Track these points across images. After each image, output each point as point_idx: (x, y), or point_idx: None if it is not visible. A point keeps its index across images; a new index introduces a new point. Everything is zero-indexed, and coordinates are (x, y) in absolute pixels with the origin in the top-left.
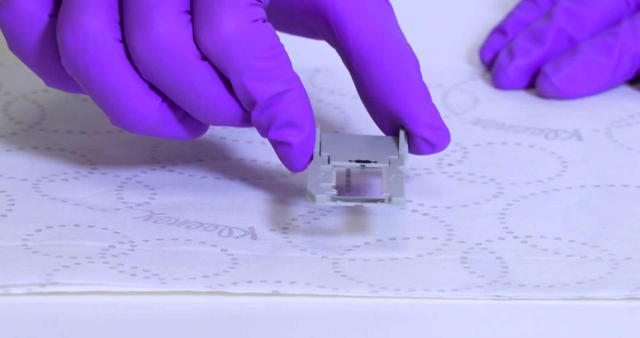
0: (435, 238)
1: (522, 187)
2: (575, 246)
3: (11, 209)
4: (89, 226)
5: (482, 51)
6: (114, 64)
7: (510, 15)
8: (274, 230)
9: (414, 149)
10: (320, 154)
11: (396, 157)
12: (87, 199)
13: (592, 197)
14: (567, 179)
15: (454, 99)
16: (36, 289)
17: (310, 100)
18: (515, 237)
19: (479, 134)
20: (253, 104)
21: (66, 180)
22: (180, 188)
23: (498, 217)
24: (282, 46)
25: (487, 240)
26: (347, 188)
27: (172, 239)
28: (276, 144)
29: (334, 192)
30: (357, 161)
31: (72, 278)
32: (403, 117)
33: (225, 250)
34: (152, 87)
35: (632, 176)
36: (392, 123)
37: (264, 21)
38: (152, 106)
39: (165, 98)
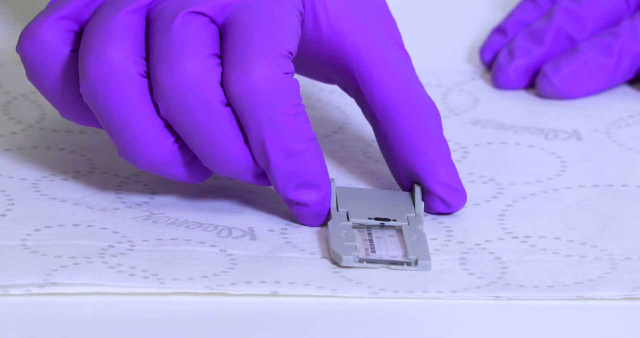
0: (435, 239)
1: (521, 187)
2: (575, 246)
3: (10, 209)
4: (88, 226)
5: (482, 50)
6: (133, 98)
7: (511, 15)
8: (273, 231)
9: (428, 206)
10: (337, 209)
11: (414, 215)
12: (86, 199)
13: (592, 197)
14: (566, 179)
15: (454, 99)
16: (35, 290)
17: (310, 100)
18: (514, 237)
19: (478, 134)
20: (268, 161)
21: (65, 180)
22: (179, 187)
23: (497, 217)
24: (303, 105)
25: (486, 241)
26: (372, 248)
27: (171, 239)
28: (292, 204)
29: (360, 253)
30: (377, 219)
31: (71, 278)
32: (422, 174)
33: (225, 250)
34: (167, 125)
35: (631, 176)
36: (409, 178)
37: (292, 75)
38: (163, 145)
39: (177, 139)
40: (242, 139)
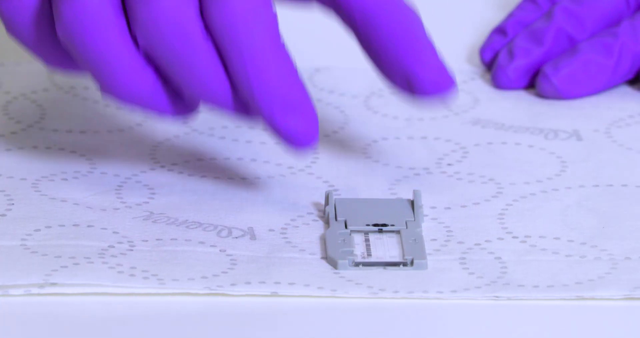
0: (434, 239)
1: (521, 187)
2: (574, 246)
3: (10, 209)
4: (88, 226)
5: (482, 51)
6: (110, 33)
7: (511, 15)
8: (273, 231)
9: (420, 90)
10: (336, 219)
11: (412, 219)
12: (86, 199)
13: (592, 197)
14: (566, 179)
15: (454, 99)
16: (35, 290)
17: None
18: (514, 237)
19: (478, 134)
20: (251, 88)
21: (65, 180)
22: (179, 187)
23: (497, 217)
24: (284, 42)
25: (486, 241)
26: (368, 252)
27: (171, 239)
28: (280, 131)
29: (356, 257)
30: (374, 225)
31: (71, 278)
32: (407, 60)
33: (224, 251)
34: (147, 58)
35: (631, 176)
36: (396, 73)
37: (272, 6)
38: (143, 77)
39: (157, 70)
40: (222, 69)
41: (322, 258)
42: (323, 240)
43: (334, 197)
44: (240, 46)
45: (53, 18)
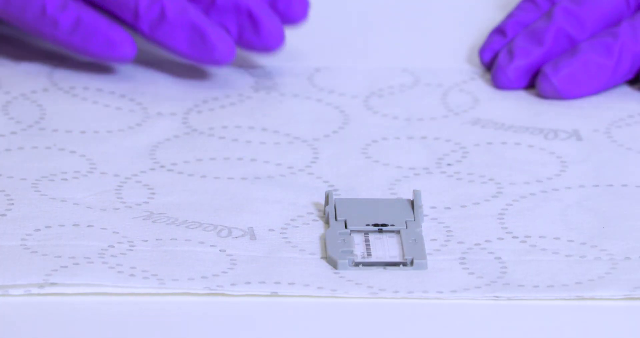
0: (434, 239)
1: (521, 187)
2: (574, 246)
3: (10, 209)
4: (88, 226)
5: (482, 51)
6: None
7: (510, 16)
8: (273, 230)
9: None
10: (336, 219)
11: (412, 219)
12: (86, 199)
13: (591, 197)
14: (566, 179)
15: (454, 99)
16: (35, 290)
17: (310, 100)
18: (514, 237)
19: (478, 134)
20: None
21: (65, 180)
22: (179, 187)
23: (497, 217)
24: None
25: (486, 241)
26: (368, 251)
27: (171, 239)
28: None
29: (356, 257)
30: (374, 225)
31: (71, 278)
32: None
33: (224, 251)
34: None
35: (631, 176)
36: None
37: None
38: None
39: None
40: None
41: (322, 258)
42: (323, 240)
43: (334, 197)
44: None
45: None
